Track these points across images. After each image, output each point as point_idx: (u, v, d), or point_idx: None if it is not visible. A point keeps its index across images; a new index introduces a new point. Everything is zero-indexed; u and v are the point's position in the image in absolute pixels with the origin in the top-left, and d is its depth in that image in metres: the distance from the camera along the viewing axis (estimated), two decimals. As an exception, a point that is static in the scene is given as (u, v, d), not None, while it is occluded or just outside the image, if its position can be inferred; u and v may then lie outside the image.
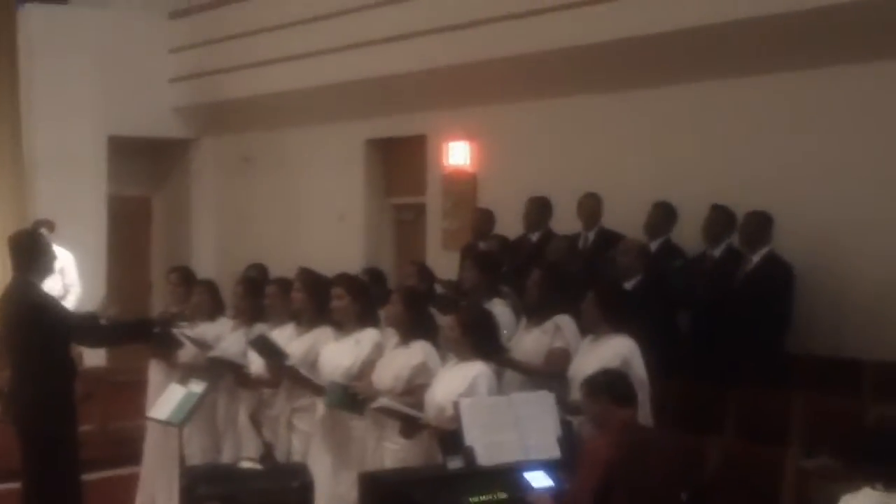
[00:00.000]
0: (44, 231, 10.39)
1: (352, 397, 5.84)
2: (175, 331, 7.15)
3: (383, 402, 5.59)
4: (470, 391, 5.29)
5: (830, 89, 7.44)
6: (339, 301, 6.21)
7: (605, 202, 8.23)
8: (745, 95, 7.91)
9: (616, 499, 4.46)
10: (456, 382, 5.38)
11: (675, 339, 7.15)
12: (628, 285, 6.91)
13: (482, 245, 8.39)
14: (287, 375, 6.32)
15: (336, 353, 6.20)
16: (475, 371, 5.39)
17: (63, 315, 6.17)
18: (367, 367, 6.02)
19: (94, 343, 6.26)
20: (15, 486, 6.30)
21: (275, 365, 6.36)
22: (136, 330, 6.61)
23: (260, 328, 6.76)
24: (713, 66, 7.99)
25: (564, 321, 6.05)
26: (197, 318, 7.28)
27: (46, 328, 5.96)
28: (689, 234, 7.70)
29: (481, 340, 5.52)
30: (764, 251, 7.12)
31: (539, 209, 8.56)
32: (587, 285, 6.10)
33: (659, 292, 7.04)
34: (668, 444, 4.93)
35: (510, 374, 6.05)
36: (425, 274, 7.33)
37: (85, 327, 6.20)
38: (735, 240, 7.35)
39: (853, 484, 4.23)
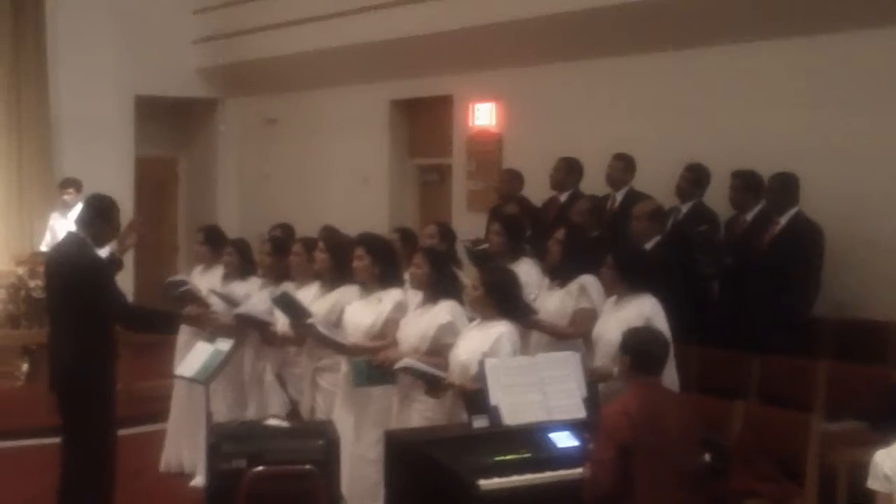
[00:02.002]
0: (71, 192, 10.52)
1: (377, 369, 5.84)
2: (202, 289, 7.19)
3: (407, 362, 5.58)
4: (494, 350, 5.28)
5: (859, 52, 7.34)
6: (360, 262, 6.20)
7: (636, 164, 8.16)
8: (775, 58, 7.82)
9: (635, 463, 4.47)
10: (480, 341, 5.38)
11: (700, 303, 7.11)
12: (648, 246, 6.87)
13: (507, 208, 8.36)
14: (308, 333, 6.34)
15: (358, 312, 6.21)
16: (499, 330, 5.38)
17: (106, 284, 6.05)
18: (390, 325, 6.01)
19: (124, 321, 6.27)
20: (51, 441, 6.36)
21: (296, 323, 6.39)
22: (163, 321, 6.53)
23: (286, 287, 6.78)
24: (743, 28, 7.90)
25: (589, 281, 6.02)
26: (229, 277, 7.32)
27: (93, 287, 5.90)
28: (722, 197, 7.59)
29: (505, 301, 5.50)
30: (792, 213, 7.03)
31: (567, 170, 8.51)
32: (611, 247, 6.08)
33: (681, 255, 6.99)
34: (687, 407, 4.93)
35: (537, 336, 6.05)
36: (447, 234, 7.31)
37: (120, 305, 6.12)
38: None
39: (881, 444, 4.23)
